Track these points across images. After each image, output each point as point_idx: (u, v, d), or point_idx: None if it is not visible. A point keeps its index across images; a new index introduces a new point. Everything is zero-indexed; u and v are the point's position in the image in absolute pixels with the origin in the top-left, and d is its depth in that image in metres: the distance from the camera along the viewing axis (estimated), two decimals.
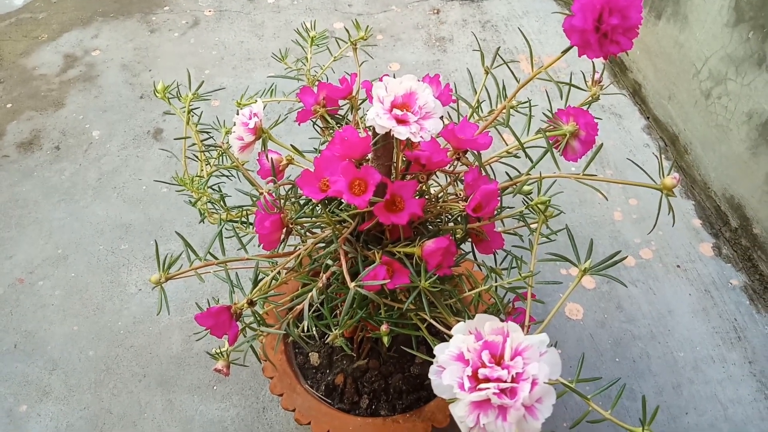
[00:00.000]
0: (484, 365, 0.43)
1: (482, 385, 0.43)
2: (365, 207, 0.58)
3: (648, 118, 1.68)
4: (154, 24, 2.04)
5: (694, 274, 1.35)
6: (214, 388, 1.18)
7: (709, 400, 1.16)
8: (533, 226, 0.73)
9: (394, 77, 0.58)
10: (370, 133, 0.62)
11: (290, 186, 0.70)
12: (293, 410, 0.96)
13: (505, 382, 0.43)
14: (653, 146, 1.60)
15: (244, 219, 0.82)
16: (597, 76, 0.80)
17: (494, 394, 0.42)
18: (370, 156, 0.64)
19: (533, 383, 0.42)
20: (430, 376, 0.45)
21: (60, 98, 1.78)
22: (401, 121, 0.54)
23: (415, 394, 1.00)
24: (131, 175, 1.57)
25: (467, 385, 0.43)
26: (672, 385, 1.18)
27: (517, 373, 0.43)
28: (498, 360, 0.44)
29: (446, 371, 0.44)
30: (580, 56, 0.51)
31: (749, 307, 1.29)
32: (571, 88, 0.71)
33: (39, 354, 1.24)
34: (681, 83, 1.51)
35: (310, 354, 1.05)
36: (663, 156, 1.59)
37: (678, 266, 1.36)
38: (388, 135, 0.55)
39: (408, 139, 0.55)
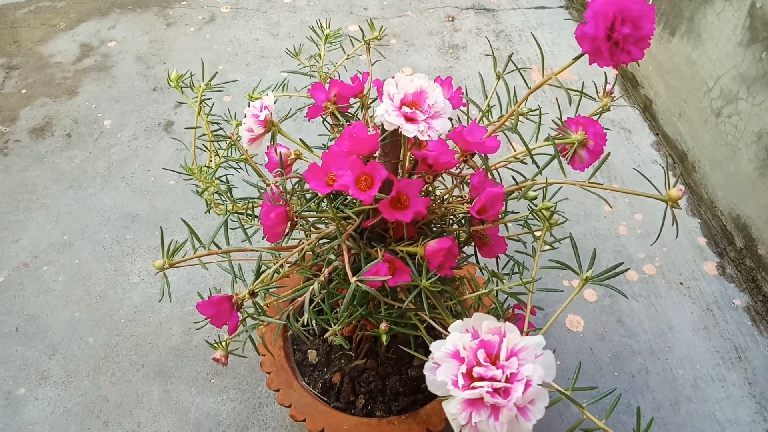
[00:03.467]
0: (479, 364, 0.44)
1: (476, 384, 0.43)
2: (370, 202, 0.59)
3: (657, 134, 1.68)
4: (170, 18, 2.06)
5: (697, 292, 1.34)
6: (212, 381, 1.18)
7: (707, 419, 1.15)
8: (537, 233, 0.74)
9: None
10: (378, 130, 0.62)
11: (297, 180, 0.71)
12: (289, 406, 0.96)
13: (499, 381, 0.43)
14: (662, 162, 1.60)
15: (249, 211, 0.82)
16: (609, 87, 0.81)
17: (487, 393, 0.42)
18: (377, 153, 0.65)
19: (527, 384, 0.43)
20: (425, 372, 0.45)
21: (74, 86, 1.80)
22: (410, 119, 0.55)
23: (412, 396, 1.00)
24: (140, 165, 1.58)
25: (461, 382, 0.43)
26: (670, 401, 1.17)
27: (511, 374, 0.43)
28: (493, 359, 0.44)
29: (441, 368, 0.44)
30: (591, 64, 0.51)
31: (751, 327, 1.28)
32: (583, 99, 0.71)
33: (40, 338, 1.24)
34: (692, 101, 1.51)
35: (308, 351, 1.06)
36: (670, 172, 1.59)
37: (681, 283, 1.36)
38: (396, 132, 0.56)
39: (416, 138, 0.56)
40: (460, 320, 0.46)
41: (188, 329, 1.25)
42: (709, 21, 1.43)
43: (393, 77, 0.56)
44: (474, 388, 0.43)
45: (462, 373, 0.44)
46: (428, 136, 0.55)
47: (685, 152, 1.56)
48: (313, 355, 1.05)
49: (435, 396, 1.00)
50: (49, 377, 1.19)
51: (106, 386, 1.17)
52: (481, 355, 0.44)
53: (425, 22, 2.07)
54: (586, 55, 0.53)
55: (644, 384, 1.19)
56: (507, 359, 0.44)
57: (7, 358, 1.21)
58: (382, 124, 0.56)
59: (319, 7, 2.13)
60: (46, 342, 1.24)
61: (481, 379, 0.43)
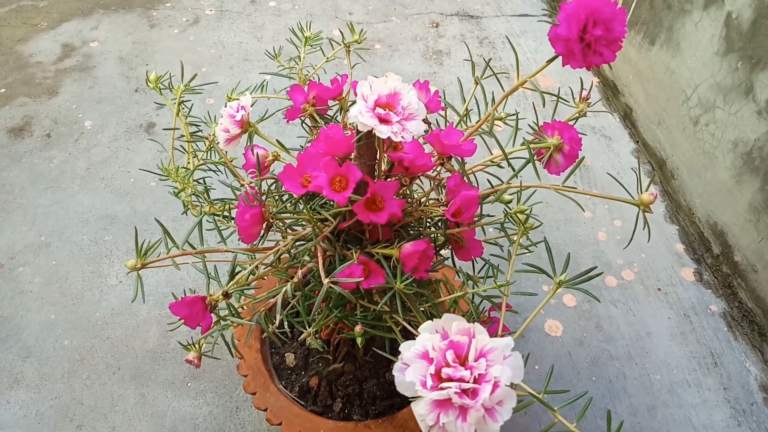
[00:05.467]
0: (447, 365, 0.44)
1: (444, 384, 0.43)
2: (345, 203, 0.59)
3: (637, 141, 1.70)
4: (154, 19, 2.05)
5: (675, 298, 1.35)
6: (189, 384, 1.17)
7: (683, 423, 1.16)
8: (515, 237, 0.74)
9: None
10: (354, 131, 0.62)
11: (273, 181, 0.71)
12: (265, 410, 0.95)
13: (468, 382, 0.43)
14: (641, 170, 1.62)
15: (226, 213, 0.82)
16: (585, 93, 0.81)
17: (456, 393, 0.42)
18: (353, 155, 0.65)
19: (495, 385, 0.43)
20: (394, 372, 0.45)
21: (54, 86, 1.78)
22: (384, 120, 0.55)
23: (389, 400, 0.99)
24: (120, 167, 1.57)
25: (430, 383, 0.43)
26: (647, 406, 1.18)
27: (479, 375, 0.43)
28: (462, 360, 0.44)
29: (410, 368, 0.44)
30: (564, 65, 0.52)
31: (727, 333, 1.30)
32: (560, 106, 0.72)
33: (13, 340, 1.22)
34: (671, 109, 1.53)
35: (285, 354, 1.05)
36: (646, 177, 1.60)
37: (659, 289, 1.37)
38: (370, 133, 0.56)
39: (391, 140, 0.56)
40: (430, 321, 0.46)
41: (165, 332, 1.24)
42: (687, 30, 1.46)
43: (367, 79, 0.57)
44: (442, 389, 0.43)
45: (431, 373, 0.44)
46: (402, 137, 0.55)
47: (664, 160, 1.58)
48: (290, 358, 1.04)
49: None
50: (21, 380, 1.17)
51: (80, 389, 1.16)
52: (450, 355, 0.44)
53: (410, 27, 2.08)
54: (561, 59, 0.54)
55: (621, 389, 1.20)
56: (476, 360, 0.44)
57: None
58: (356, 125, 0.56)
59: (304, 11, 2.13)
60: (20, 344, 1.22)
61: (450, 379, 0.43)
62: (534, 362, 1.23)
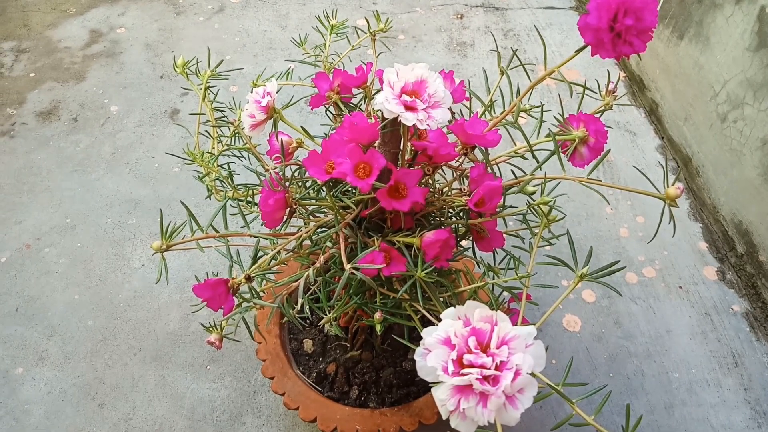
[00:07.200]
0: (469, 351, 0.44)
1: (466, 371, 0.43)
2: (368, 190, 0.59)
3: (663, 138, 1.67)
4: (180, 7, 2.07)
5: (696, 297, 1.34)
6: (208, 367, 1.19)
7: (701, 423, 1.15)
8: (537, 230, 0.74)
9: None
10: (379, 119, 0.62)
11: (297, 167, 0.71)
12: (283, 394, 0.96)
13: (489, 369, 0.43)
14: (663, 163, 1.59)
15: (249, 198, 0.82)
16: (612, 86, 0.80)
17: (477, 380, 0.42)
18: (377, 142, 0.65)
19: (516, 373, 0.43)
20: (415, 357, 0.45)
21: (82, 72, 1.81)
22: (409, 108, 0.55)
23: (405, 389, 1.00)
24: (145, 152, 1.59)
25: (451, 369, 0.43)
26: (664, 404, 1.17)
27: (501, 362, 0.43)
28: (484, 347, 0.44)
29: (432, 354, 0.44)
30: (593, 55, 0.51)
31: (749, 334, 1.28)
32: (588, 101, 0.71)
33: (39, 319, 1.25)
34: (698, 105, 1.51)
35: (304, 341, 1.06)
36: (674, 175, 1.58)
37: (680, 287, 1.35)
38: (396, 121, 0.56)
39: (415, 127, 0.56)
40: (452, 307, 0.46)
41: (186, 315, 1.26)
42: (718, 25, 1.43)
43: (394, 66, 0.57)
44: (463, 374, 0.43)
45: (452, 359, 0.44)
46: (427, 125, 0.55)
47: (689, 156, 1.56)
48: (308, 344, 1.05)
49: (428, 389, 1.00)
50: (46, 358, 1.19)
51: (102, 369, 1.18)
52: (471, 342, 0.44)
53: (434, 18, 2.07)
54: (588, 52, 0.53)
55: (639, 386, 1.19)
56: (497, 347, 0.44)
57: (6, 338, 1.22)
58: (382, 113, 0.57)
59: (328, 0, 2.13)
60: (45, 323, 1.25)
61: (471, 366, 0.44)
62: (551, 357, 1.23)
